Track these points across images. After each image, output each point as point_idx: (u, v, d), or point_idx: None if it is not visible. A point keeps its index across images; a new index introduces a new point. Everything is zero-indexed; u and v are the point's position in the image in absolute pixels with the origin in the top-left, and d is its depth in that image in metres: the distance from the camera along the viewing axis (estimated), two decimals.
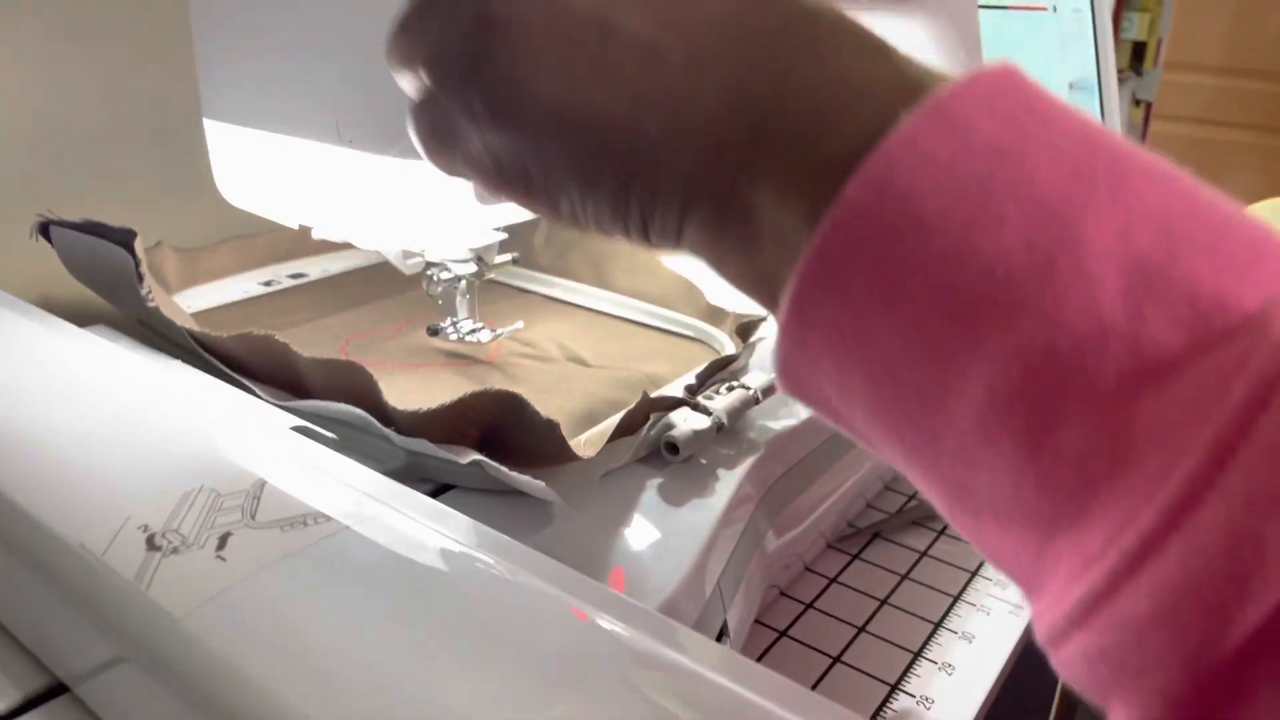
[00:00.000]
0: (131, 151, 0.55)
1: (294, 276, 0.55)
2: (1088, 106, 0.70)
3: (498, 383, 0.46)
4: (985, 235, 0.17)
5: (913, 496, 0.59)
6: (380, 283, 0.50)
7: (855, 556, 0.53)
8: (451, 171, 0.26)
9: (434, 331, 0.47)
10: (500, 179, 0.24)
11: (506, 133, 0.23)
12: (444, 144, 0.25)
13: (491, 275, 0.50)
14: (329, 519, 0.26)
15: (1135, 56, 1.44)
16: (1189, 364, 0.16)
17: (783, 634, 0.46)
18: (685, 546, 0.35)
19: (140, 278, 0.40)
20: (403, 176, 0.35)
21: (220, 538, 0.25)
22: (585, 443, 0.36)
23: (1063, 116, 0.18)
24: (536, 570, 0.26)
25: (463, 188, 0.36)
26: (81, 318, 0.45)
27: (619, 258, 0.57)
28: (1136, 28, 1.38)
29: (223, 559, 0.24)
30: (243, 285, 0.53)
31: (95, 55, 0.53)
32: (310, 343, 0.49)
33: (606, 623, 0.24)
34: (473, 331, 0.47)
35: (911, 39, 0.59)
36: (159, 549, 0.25)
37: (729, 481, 0.40)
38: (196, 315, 0.50)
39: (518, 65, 0.22)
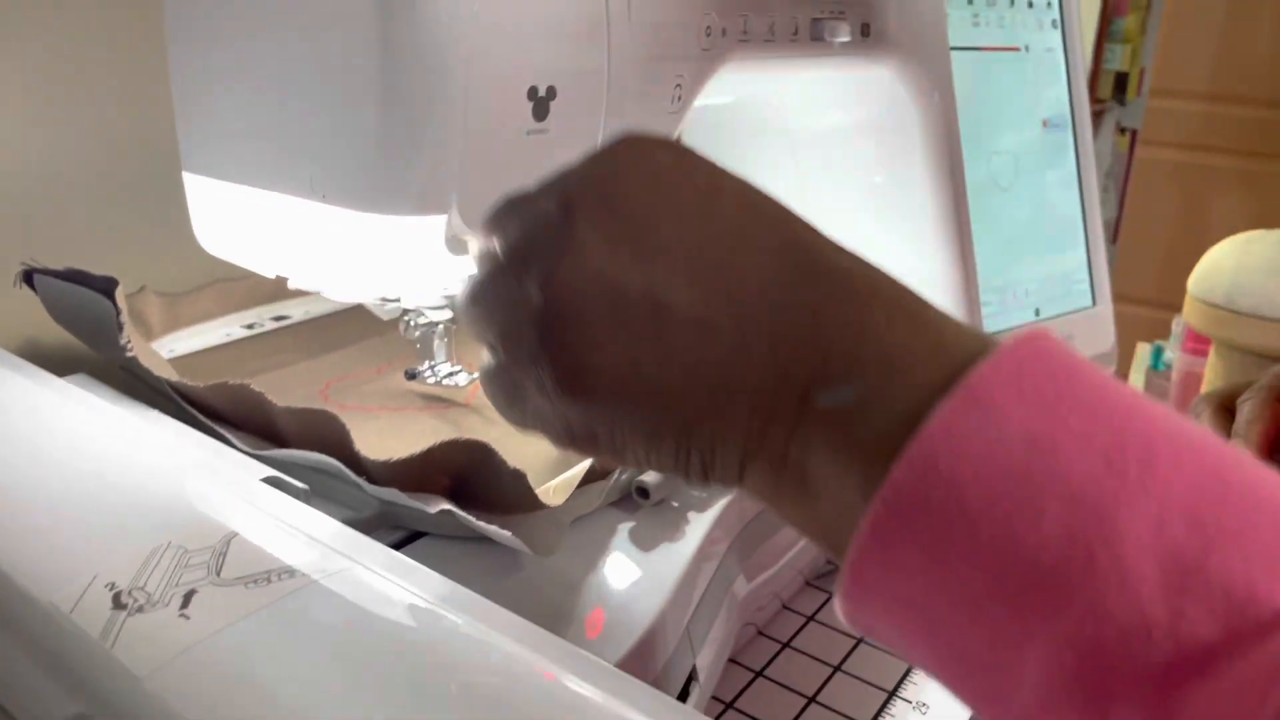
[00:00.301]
0: (118, 197, 0.56)
1: (277, 319, 0.56)
2: (1062, 141, 0.71)
3: (475, 425, 0.47)
4: (1027, 526, 0.18)
5: None
6: (362, 324, 0.51)
7: (833, 594, 0.53)
8: (524, 428, 0.27)
9: (412, 375, 0.48)
10: (569, 439, 0.26)
11: (573, 404, 0.24)
12: (516, 406, 0.27)
13: None
14: (293, 575, 0.26)
15: (1118, 86, 1.46)
16: (1228, 658, 0.17)
17: (759, 674, 0.47)
18: (654, 591, 0.36)
19: (120, 327, 0.41)
20: (375, 228, 0.36)
21: (185, 595, 0.25)
22: (554, 490, 0.37)
23: (1090, 393, 0.20)
24: (501, 627, 0.26)
25: (435, 238, 0.37)
26: (66, 364, 0.46)
27: None
28: (1119, 58, 1.40)
29: (186, 617, 0.25)
30: (225, 328, 0.54)
31: (80, 103, 0.54)
32: (291, 386, 0.49)
33: (573, 683, 0.24)
34: (450, 375, 0.47)
35: (884, 84, 0.60)
36: (124, 607, 0.25)
37: (700, 524, 0.40)
38: (179, 359, 0.51)
39: (580, 347, 0.23)
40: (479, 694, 0.24)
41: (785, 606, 0.51)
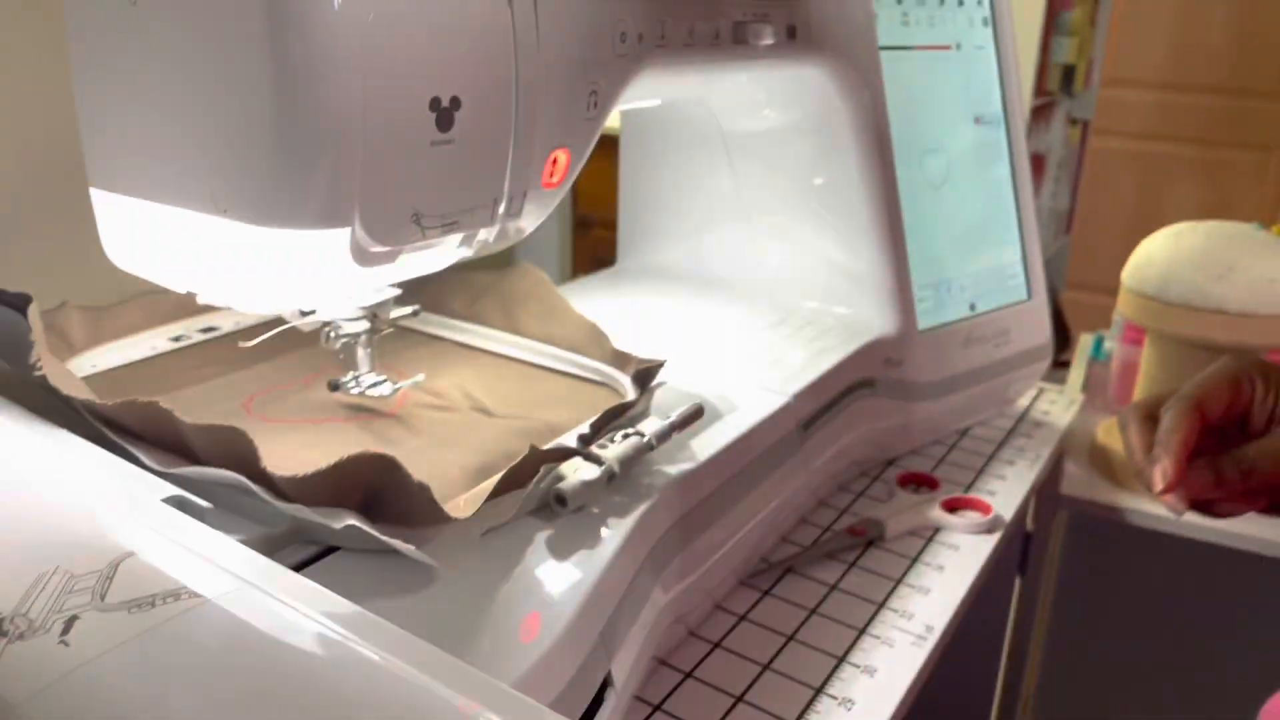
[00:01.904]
0: (44, 209, 0.56)
1: (205, 330, 0.56)
2: (995, 138, 0.71)
3: (399, 436, 0.46)
4: None
5: (826, 529, 0.60)
6: (293, 335, 0.51)
7: (766, 593, 0.54)
8: None
9: (335, 386, 0.47)
10: None
11: None
12: None
13: (403, 323, 0.51)
14: (178, 598, 0.26)
15: (1066, 79, 1.48)
16: None
17: (688, 675, 0.47)
18: (566, 599, 0.36)
19: (31, 345, 0.41)
20: (279, 242, 0.36)
21: (66, 621, 0.25)
22: (465, 501, 0.37)
23: None
24: (395, 650, 0.26)
25: (340, 251, 0.37)
26: None
27: (529, 303, 0.58)
28: (1066, 51, 1.41)
29: (66, 644, 0.25)
30: (151, 342, 0.53)
31: (2, 104, 0.53)
32: (215, 399, 0.49)
33: (444, 690, 0.25)
34: (375, 385, 0.47)
35: (814, 84, 0.60)
36: (6, 635, 0.25)
37: (618, 531, 0.40)
38: (103, 374, 0.50)
39: None
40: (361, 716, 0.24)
41: (719, 606, 0.52)
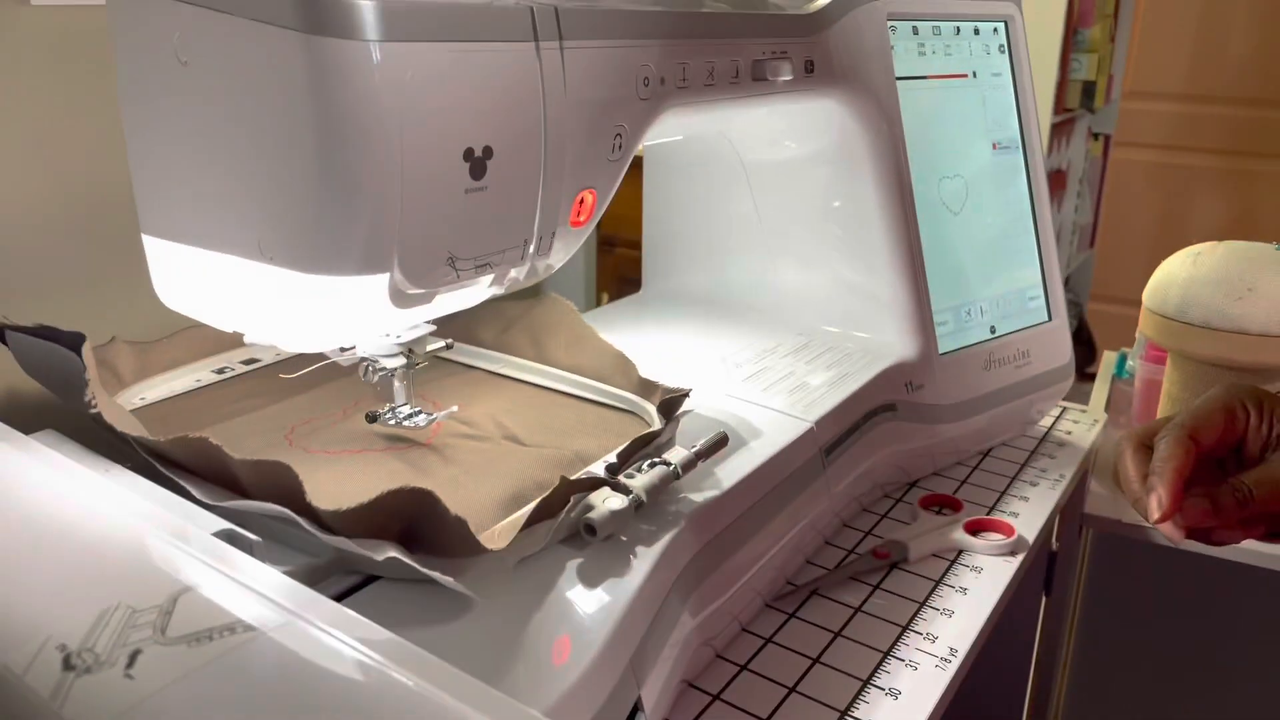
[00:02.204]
0: (97, 247, 0.58)
1: (247, 363, 0.58)
2: (1013, 163, 0.72)
3: (435, 465, 0.48)
4: None
5: (851, 551, 0.61)
6: (331, 368, 0.53)
7: (792, 615, 0.55)
8: None
9: (372, 418, 0.49)
10: None
11: None
12: None
13: (436, 356, 0.53)
14: (234, 631, 0.28)
15: (1086, 95, 1.48)
16: None
17: (716, 697, 0.48)
18: (597, 626, 0.37)
19: (85, 383, 0.43)
20: (323, 287, 0.38)
21: (130, 655, 0.27)
22: (498, 532, 0.38)
23: None
24: (438, 681, 0.28)
25: (380, 294, 0.39)
26: (42, 416, 0.47)
27: (558, 333, 0.59)
28: (1085, 68, 1.42)
29: (131, 677, 0.26)
30: (196, 374, 0.55)
31: (58, 158, 0.56)
32: (258, 430, 0.51)
33: None
34: (410, 416, 0.49)
35: (833, 115, 0.62)
36: (74, 669, 0.27)
37: (646, 559, 0.42)
38: (150, 407, 0.52)
39: None
40: None
41: (745, 629, 0.53)
